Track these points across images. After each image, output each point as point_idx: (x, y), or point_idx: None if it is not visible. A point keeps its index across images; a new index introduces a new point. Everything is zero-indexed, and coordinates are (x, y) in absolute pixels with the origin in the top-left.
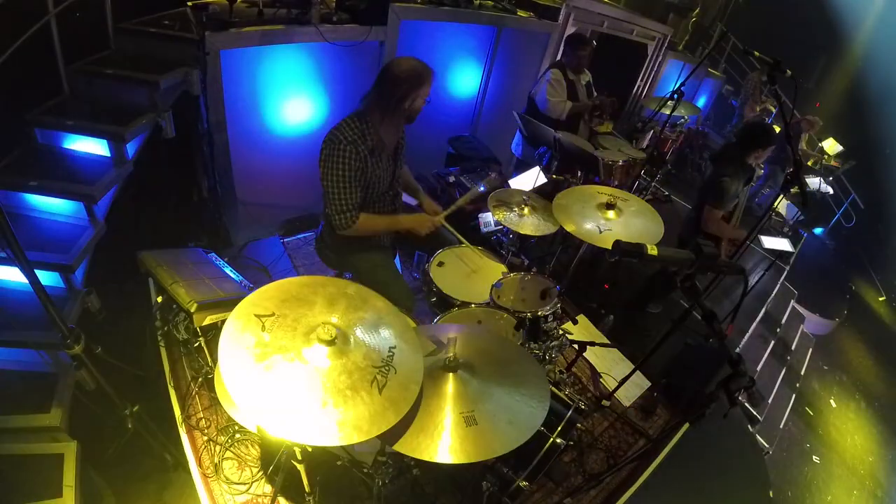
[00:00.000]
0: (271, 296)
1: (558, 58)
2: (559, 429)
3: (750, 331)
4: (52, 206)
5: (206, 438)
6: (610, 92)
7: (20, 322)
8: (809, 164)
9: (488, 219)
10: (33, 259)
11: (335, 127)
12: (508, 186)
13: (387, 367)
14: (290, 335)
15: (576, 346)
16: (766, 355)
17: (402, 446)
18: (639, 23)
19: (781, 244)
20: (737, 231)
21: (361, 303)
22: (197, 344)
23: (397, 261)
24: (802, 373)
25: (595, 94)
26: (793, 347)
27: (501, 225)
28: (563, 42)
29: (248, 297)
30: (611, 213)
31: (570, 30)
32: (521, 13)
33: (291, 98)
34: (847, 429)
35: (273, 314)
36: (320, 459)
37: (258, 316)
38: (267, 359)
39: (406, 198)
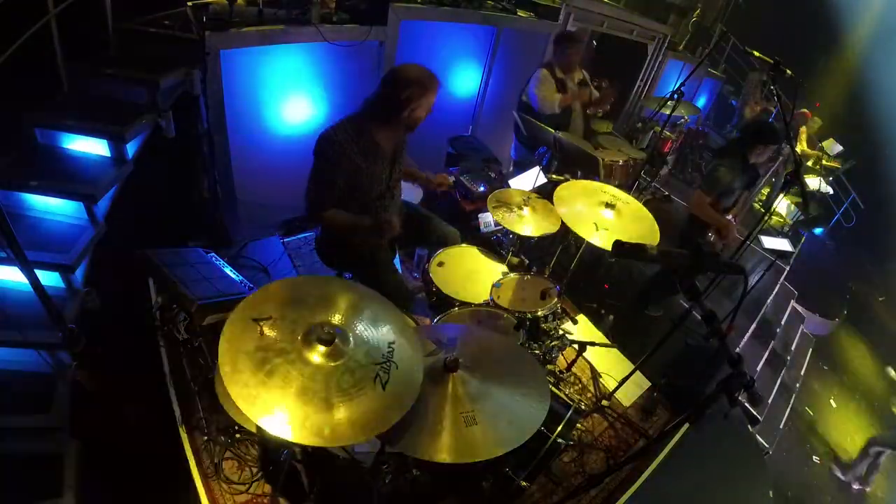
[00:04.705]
0: (268, 298)
1: (547, 58)
2: (559, 429)
3: (750, 331)
4: (52, 206)
5: (206, 438)
6: (611, 78)
7: (20, 322)
8: (809, 164)
9: (488, 219)
10: (33, 259)
11: (330, 126)
12: (508, 186)
13: (388, 363)
14: (290, 337)
15: (576, 346)
16: (766, 355)
17: (402, 446)
18: (639, 23)
19: (781, 244)
20: (725, 219)
21: (358, 301)
22: (197, 344)
23: (397, 261)
24: (802, 373)
25: (591, 87)
26: (793, 347)
27: (501, 225)
28: (552, 41)
29: (244, 301)
30: (611, 213)
31: (570, 30)
32: (521, 13)
33: (291, 98)
34: (847, 429)
35: (271, 317)
36: (320, 459)
37: (256, 320)
38: (268, 363)
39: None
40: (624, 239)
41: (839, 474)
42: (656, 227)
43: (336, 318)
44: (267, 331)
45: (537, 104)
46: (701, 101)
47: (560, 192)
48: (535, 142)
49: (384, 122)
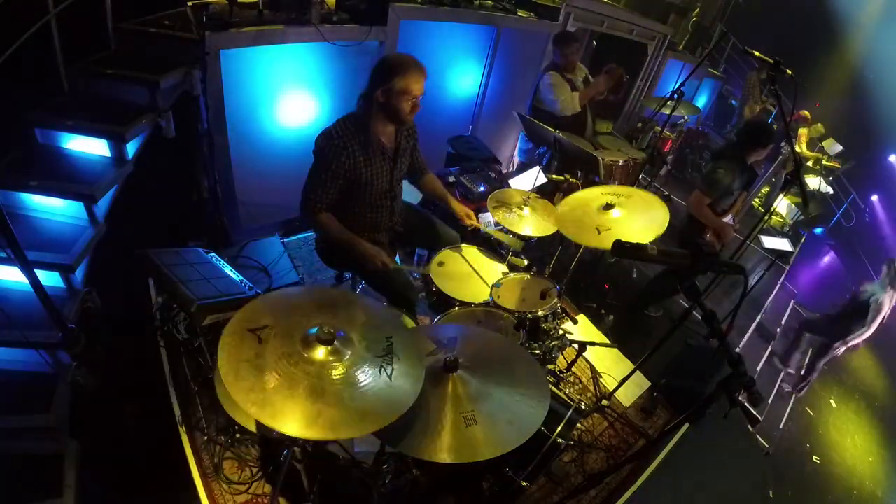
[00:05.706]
0: (261, 309)
1: (549, 61)
2: (559, 429)
3: (750, 331)
4: (52, 206)
5: (205, 438)
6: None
7: (20, 322)
8: (809, 164)
9: (488, 219)
10: (33, 259)
11: (330, 125)
12: (508, 186)
13: (389, 356)
14: (290, 341)
15: (576, 346)
16: (766, 355)
17: (402, 446)
18: (639, 23)
19: (781, 244)
20: (722, 221)
21: (348, 303)
22: (197, 344)
23: (397, 259)
24: (802, 373)
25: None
26: None
27: (501, 225)
28: (552, 43)
29: (236, 316)
30: (612, 214)
31: (570, 30)
32: (521, 13)
33: (291, 98)
34: (847, 429)
35: (267, 326)
36: (320, 459)
37: (252, 330)
38: (272, 370)
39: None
40: (630, 232)
41: (779, 364)
42: (664, 205)
43: (332, 319)
44: (265, 338)
45: (559, 108)
46: (701, 101)
47: (561, 207)
48: (537, 140)
49: (372, 111)
